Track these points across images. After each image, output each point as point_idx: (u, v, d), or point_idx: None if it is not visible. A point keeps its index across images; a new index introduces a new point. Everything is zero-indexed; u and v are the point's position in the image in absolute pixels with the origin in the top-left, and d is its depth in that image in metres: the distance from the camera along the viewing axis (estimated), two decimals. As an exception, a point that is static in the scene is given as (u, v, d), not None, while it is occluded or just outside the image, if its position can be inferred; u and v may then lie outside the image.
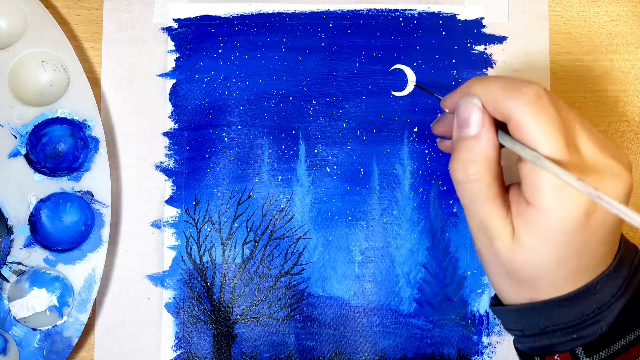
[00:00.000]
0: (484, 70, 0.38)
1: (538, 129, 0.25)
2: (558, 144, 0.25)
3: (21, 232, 0.35)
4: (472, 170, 0.27)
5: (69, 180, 0.35)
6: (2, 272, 0.35)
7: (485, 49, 0.38)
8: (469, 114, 0.28)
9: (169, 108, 0.37)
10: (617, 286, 0.28)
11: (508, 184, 0.29)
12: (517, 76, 0.38)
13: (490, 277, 0.30)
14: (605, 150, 0.27)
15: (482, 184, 0.27)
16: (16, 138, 0.35)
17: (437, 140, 0.36)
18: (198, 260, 0.37)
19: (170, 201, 0.37)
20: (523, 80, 0.27)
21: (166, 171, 0.37)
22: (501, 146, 0.28)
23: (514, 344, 0.31)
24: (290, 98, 0.37)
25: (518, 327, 0.30)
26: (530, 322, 0.29)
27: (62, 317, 0.35)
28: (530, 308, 0.28)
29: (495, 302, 0.31)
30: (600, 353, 0.27)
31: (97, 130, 0.35)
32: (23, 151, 0.35)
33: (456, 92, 0.30)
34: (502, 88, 0.27)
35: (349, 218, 0.37)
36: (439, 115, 0.34)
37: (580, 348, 0.28)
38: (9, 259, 0.35)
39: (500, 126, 0.28)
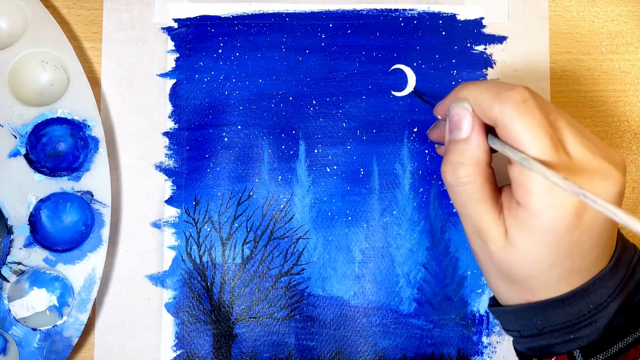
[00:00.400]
0: (484, 70, 0.38)
1: (524, 131, 0.26)
2: (545, 145, 0.25)
3: (21, 232, 0.35)
4: (462, 172, 0.28)
5: (69, 180, 0.35)
6: (2, 272, 0.35)
7: (485, 49, 0.38)
8: (459, 118, 0.28)
9: (169, 108, 0.37)
10: (613, 286, 0.28)
11: (501, 185, 0.30)
12: (517, 76, 0.38)
13: (487, 278, 0.30)
14: (595, 151, 0.27)
15: (472, 187, 0.28)
16: (16, 138, 0.35)
17: (436, 145, 0.36)
18: (198, 260, 0.37)
19: (170, 201, 0.37)
20: (509, 84, 0.27)
21: (166, 171, 0.37)
22: (492, 150, 0.28)
23: (513, 345, 0.31)
24: (290, 98, 0.37)
25: (516, 328, 0.30)
26: (527, 322, 0.29)
27: (62, 317, 0.35)
28: (527, 308, 0.28)
29: (494, 303, 0.32)
30: (598, 356, 0.27)
31: (97, 130, 0.35)
32: (23, 151, 0.35)
33: (446, 99, 0.30)
34: (489, 92, 0.27)
35: (349, 218, 0.37)
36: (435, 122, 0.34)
37: (578, 351, 0.28)
38: (9, 259, 0.35)
39: (490, 130, 0.28)
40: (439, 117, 0.32)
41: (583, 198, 0.24)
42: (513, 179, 0.27)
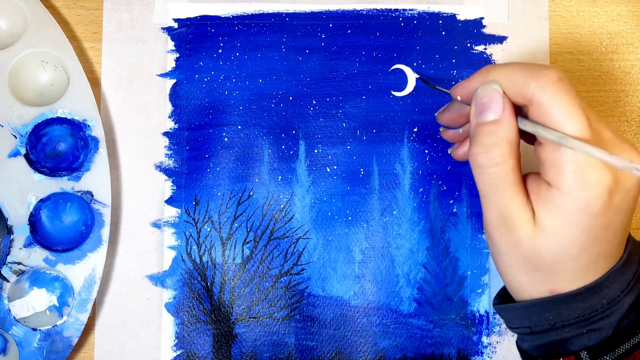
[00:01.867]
0: (484, 70, 0.38)
1: (561, 108, 0.26)
2: (582, 123, 0.25)
3: (21, 232, 0.35)
4: (495, 153, 0.27)
5: (69, 180, 0.35)
6: (2, 272, 0.35)
7: (485, 49, 0.38)
8: (489, 99, 0.28)
9: (169, 108, 0.37)
10: (626, 281, 0.28)
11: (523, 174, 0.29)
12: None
13: (505, 270, 0.29)
14: (619, 135, 0.27)
15: (505, 168, 0.27)
16: (16, 138, 0.35)
17: (441, 129, 0.35)
18: (198, 260, 0.37)
19: (170, 201, 0.37)
20: (542, 64, 0.27)
21: (166, 171, 0.37)
22: (520, 132, 0.28)
23: (517, 344, 0.31)
24: (290, 98, 0.37)
25: (526, 324, 0.29)
26: (540, 318, 0.28)
27: (62, 317, 0.35)
28: (539, 304, 0.28)
29: (499, 301, 0.31)
30: (605, 357, 0.27)
31: (97, 130, 0.35)
32: (23, 151, 0.35)
33: (471, 80, 0.29)
34: (523, 71, 0.27)
35: (349, 218, 0.37)
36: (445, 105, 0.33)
37: (585, 352, 0.28)
38: (9, 259, 0.35)
39: (517, 112, 0.28)
40: (458, 98, 0.31)
41: (636, 172, 0.23)
42: (544, 159, 0.27)
